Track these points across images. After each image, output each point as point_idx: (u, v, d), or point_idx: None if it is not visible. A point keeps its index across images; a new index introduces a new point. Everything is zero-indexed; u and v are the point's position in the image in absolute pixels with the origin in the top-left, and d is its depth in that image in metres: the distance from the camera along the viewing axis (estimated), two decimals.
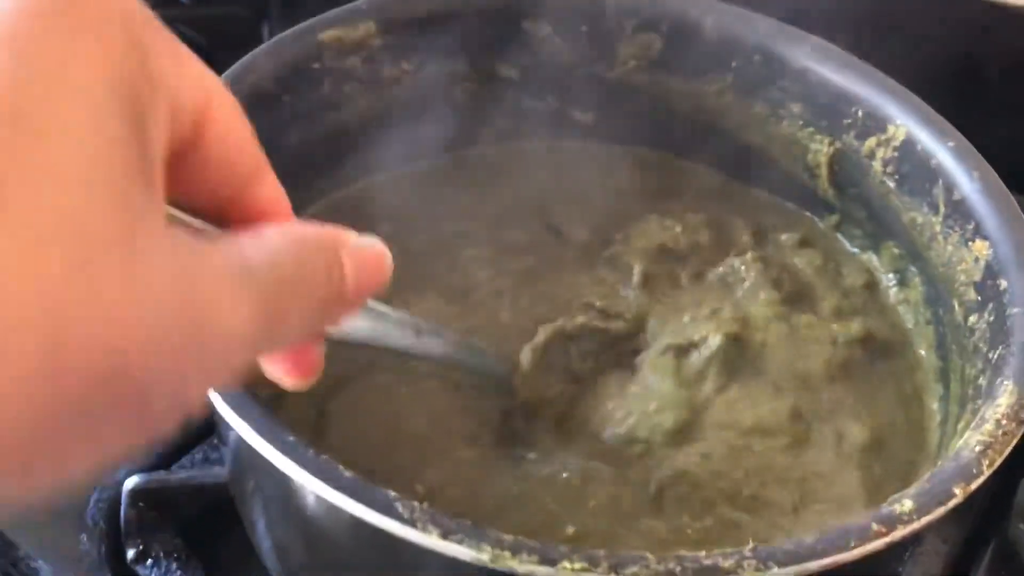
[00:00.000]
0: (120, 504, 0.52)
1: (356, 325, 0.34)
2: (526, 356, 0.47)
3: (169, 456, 0.56)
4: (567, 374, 0.49)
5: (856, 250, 0.56)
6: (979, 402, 0.41)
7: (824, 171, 0.55)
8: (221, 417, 0.36)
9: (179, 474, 0.54)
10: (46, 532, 0.52)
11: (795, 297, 0.52)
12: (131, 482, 0.52)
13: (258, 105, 0.49)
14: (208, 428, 0.54)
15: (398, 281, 0.51)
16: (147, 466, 0.55)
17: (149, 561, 0.51)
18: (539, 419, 0.47)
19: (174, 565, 0.51)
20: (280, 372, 0.30)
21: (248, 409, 0.36)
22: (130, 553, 0.51)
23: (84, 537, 0.52)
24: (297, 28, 0.52)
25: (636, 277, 0.52)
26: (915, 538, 0.54)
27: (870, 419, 0.48)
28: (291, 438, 0.35)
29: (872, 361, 0.50)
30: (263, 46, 0.51)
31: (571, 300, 0.51)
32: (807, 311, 0.52)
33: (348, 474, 0.34)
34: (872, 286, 0.54)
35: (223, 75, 0.49)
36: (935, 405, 0.49)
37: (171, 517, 0.52)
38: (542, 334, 0.48)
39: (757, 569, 0.32)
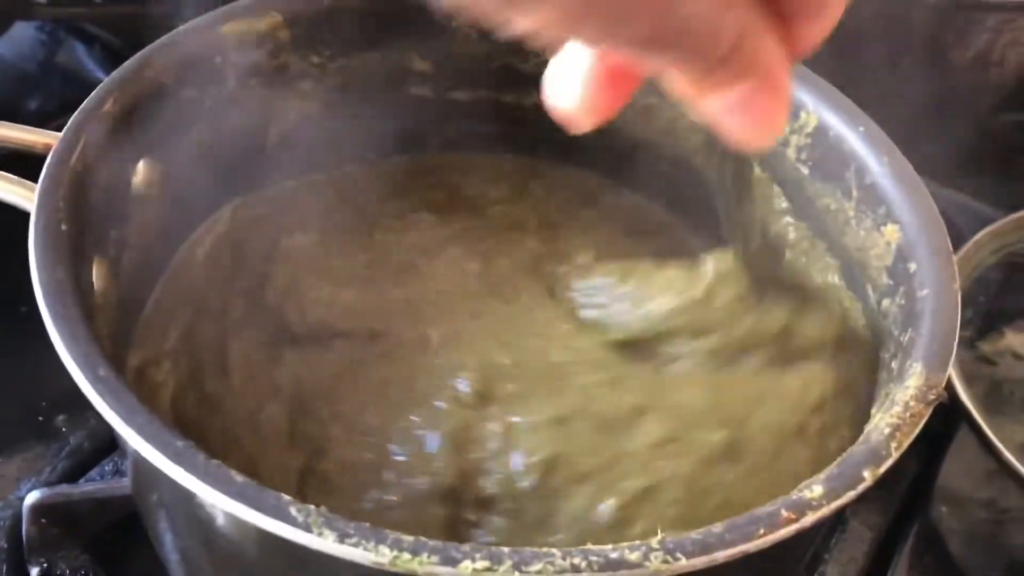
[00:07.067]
0: (21, 520, 0.49)
1: None
2: None
3: (77, 468, 0.54)
4: None
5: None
6: (891, 385, 0.41)
7: None
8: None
9: (83, 487, 0.51)
10: None
11: None
12: (32, 497, 0.49)
13: (156, 101, 0.47)
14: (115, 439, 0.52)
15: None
16: (50, 480, 0.52)
17: None
18: None
19: None
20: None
21: (137, 415, 0.34)
22: (33, 572, 0.49)
23: None
24: (197, 20, 0.50)
25: None
26: (837, 524, 0.55)
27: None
28: (180, 444, 0.33)
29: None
30: (160, 39, 0.49)
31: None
32: None
33: (240, 479, 0.32)
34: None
35: (117, 69, 0.47)
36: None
37: (76, 533, 0.50)
38: None
39: (664, 561, 0.31)
